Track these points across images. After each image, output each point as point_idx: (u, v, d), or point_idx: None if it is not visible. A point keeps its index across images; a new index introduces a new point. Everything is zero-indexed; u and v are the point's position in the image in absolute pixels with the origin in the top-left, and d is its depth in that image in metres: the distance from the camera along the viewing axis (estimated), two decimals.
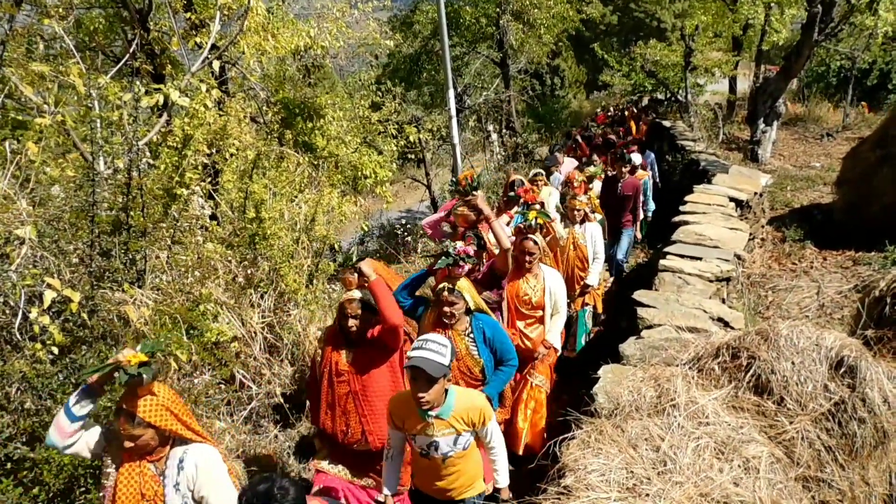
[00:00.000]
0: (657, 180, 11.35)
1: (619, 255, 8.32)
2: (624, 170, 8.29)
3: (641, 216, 8.97)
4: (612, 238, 8.30)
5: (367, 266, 3.63)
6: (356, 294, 3.67)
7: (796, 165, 13.94)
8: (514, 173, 8.35)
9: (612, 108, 17.86)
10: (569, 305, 6.05)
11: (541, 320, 5.00)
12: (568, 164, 9.93)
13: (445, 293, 3.83)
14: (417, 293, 4.41)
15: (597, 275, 6.42)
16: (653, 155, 11.69)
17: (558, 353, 5.21)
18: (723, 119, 16.55)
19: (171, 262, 5.22)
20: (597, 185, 8.87)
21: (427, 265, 4.29)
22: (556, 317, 5.02)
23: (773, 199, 10.97)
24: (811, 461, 2.93)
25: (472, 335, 3.95)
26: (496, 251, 4.89)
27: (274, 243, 6.08)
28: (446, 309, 3.84)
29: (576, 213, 6.37)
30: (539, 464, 3.26)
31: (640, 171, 9.32)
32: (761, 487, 2.66)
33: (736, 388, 3.24)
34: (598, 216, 8.06)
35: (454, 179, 4.35)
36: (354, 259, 3.66)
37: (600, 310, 6.96)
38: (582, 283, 6.42)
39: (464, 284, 3.89)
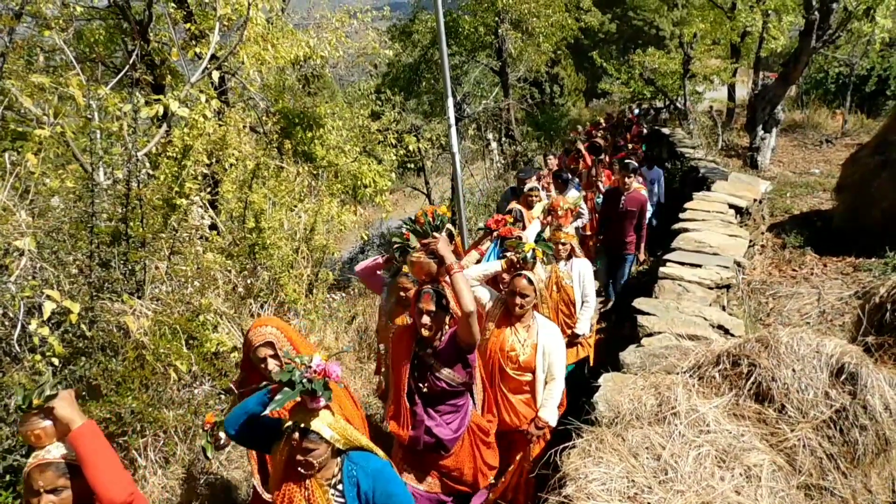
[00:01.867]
0: (661, 199, 10.67)
1: (618, 288, 7.59)
2: (628, 180, 7.30)
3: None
4: (610, 263, 7.69)
5: (66, 406, 2.27)
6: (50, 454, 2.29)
7: (796, 172, 13.95)
8: (530, 180, 7.88)
9: (613, 116, 17.79)
10: None
11: (530, 387, 4.04)
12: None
13: (296, 436, 2.47)
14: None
15: (587, 322, 5.38)
16: (661, 172, 10.93)
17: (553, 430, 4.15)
18: (722, 126, 16.57)
19: (170, 273, 5.23)
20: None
21: (271, 380, 2.69)
22: (551, 384, 4.03)
23: (773, 205, 10.97)
24: (813, 469, 2.92)
25: (340, 488, 2.61)
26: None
27: (274, 253, 6.09)
28: (299, 457, 2.49)
29: (561, 247, 5.24)
30: (540, 473, 3.24)
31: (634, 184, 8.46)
32: (763, 496, 2.65)
33: (737, 396, 3.23)
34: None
35: (412, 217, 3.56)
36: (44, 395, 2.24)
37: (592, 363, 5.69)
38: (569, 332, 5.26)
39: (326, 419, 2.49)
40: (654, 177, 10.62)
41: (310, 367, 2.44)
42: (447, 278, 3.37)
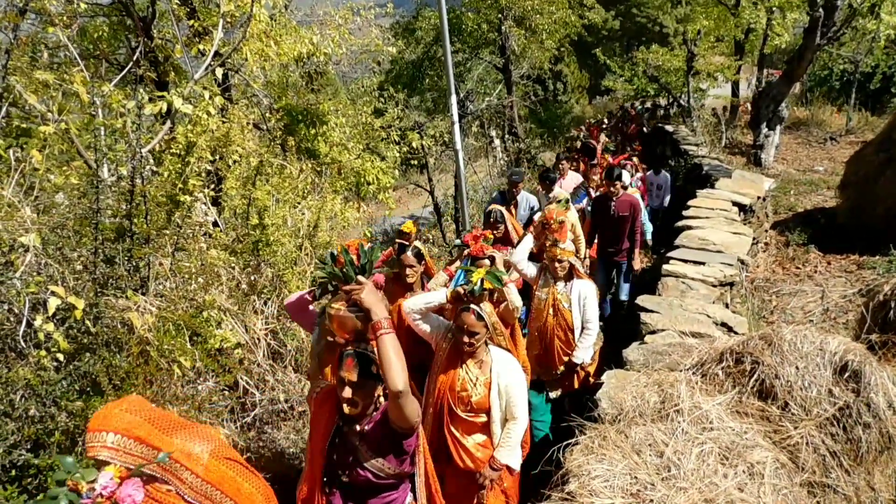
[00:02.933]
0: (664, 203, 10.29)
1: (623, 297, 7.09)
2: (614, 188, 6.85)
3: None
4: (606, 274, 7.28)
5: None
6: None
7: (799, 169, 13.92)
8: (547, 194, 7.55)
9: (614, 114, 17.64)
10: (546, 391, 5.02)
11: (485, 428, 3.54)
12: (570, 179, 8.78)
13: None
14: None
15: (588, 350, 4.81)
16: (668, 177, 10.50)
17: (517, 475, 3.75)
18: (725, 123, 16.54)
19: (174, 269, 5.23)
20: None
21: None
22: (510, 425, 3.51)
23: (777, 203, 10.95)
24: (816, 466, 2.92)
25: None
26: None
27: (277, 250, 6.09)
28: None
29: (558, 265, 4.68)
30: (543, 469, 3.25)
31: (630, 190, 7.99)
32: (766, 493, 2.65)
33: (740, 394, 3.23)
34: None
35: (333, 253, 2.81)
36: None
37: (592, 377, 5.03)
38: (565, 360, 4.83)
39: None
40: (662, 182, 10.30)
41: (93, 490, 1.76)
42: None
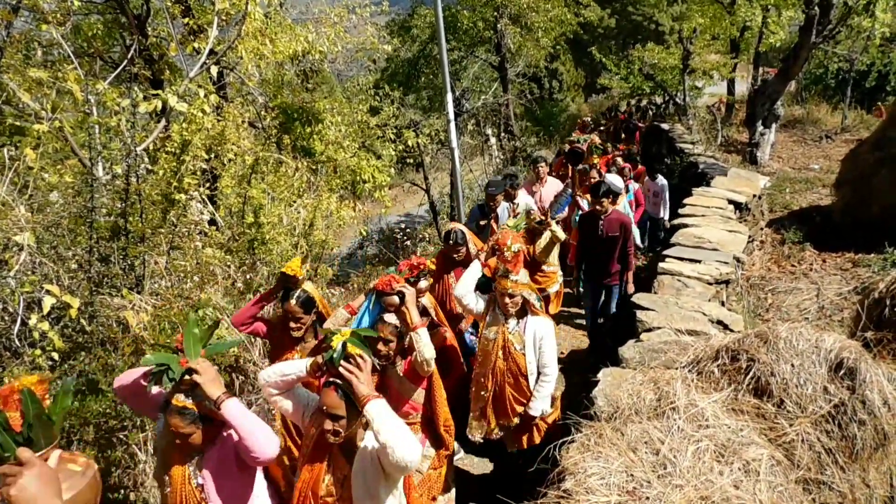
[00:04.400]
0: (661, 213, 9.42)
1: (613, 310, 6.41)
2: (601, 206, 6.05)
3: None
4: (594, 298, 6.48)
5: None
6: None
7: (795, 167, 13.96)
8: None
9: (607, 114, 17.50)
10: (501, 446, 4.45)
11: None
12: (551, 186, 7.77)
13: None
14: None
15: (545, 399, 4.12)
16: (665, 182, 9.52)
17: None
18: (721, 121, 16.57)
19: (169, 268, 5.23)
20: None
21: None
22: None
23: (772, 201, 10.98)
24: (811, 463, 2.93)
25: None
26: None
27: (273, 248, 6.09)
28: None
29: (509, 300, 3.97)
30: (539, 467, 3.25)
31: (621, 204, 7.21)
32: (762, 490, 2.65)
33: (735, 391, 3.24)
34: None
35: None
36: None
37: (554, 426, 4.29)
38: (519, 412, 4.16)
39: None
40: (658, 189, 9.38)
41: None
42: None
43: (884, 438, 3.02)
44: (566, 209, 7.47)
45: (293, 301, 3.68)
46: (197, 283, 5.39)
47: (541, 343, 4.02)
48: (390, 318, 3.54)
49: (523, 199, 7.14)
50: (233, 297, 5.61)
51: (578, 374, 5.97)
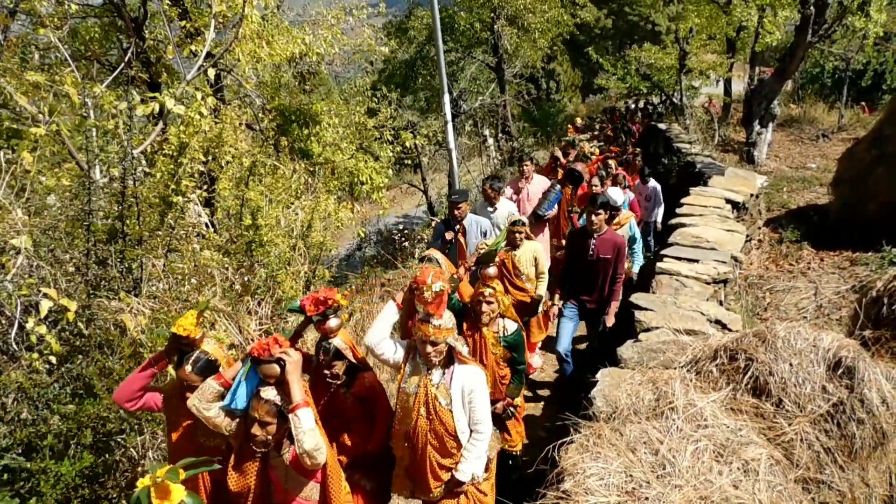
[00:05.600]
0: (657, 219, 9.32)
1: (595, 344, 5.71)
2: (596, 217, 5.31)
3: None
4: (570, 323, 5.58)
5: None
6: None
7: (792, 166, 13.98)
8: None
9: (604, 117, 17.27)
10: None
11: None
12: (537, 184, 7.31)
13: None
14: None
15: (479, 461, 3.53)
16: (658, 187, 9.36)
17: None
18: (718, 121, 16.59)
19: (167, 270, 5.21)
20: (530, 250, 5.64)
21: None
22: None
23: (770, 200, 11.00)
24: (810, 463, 2.93)
25: None
26: None
27: (270, 250, 6.08)
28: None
29: (430, 349, 3.37)
30: (538, 468, 3.25)
31: (624, 212, 6.83)
32: (761, 490, 2.65)
33: (734, 391, 3.24)
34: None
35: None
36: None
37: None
38: (445, 478, 3.53)
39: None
40: (650, 192, 9.24)
41: None
42: None
43: (882, 437, 3.02)
44: (556, 207, 7.02)
45: (189, 367, 3.07)
46: (195, 285, 5.38)
47: (471, 397, 3.41)
48: (269, 393, 2.83)
49: (505, 206, 6.51)
50: (231, 299, 5.60)
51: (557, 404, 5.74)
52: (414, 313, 3.58)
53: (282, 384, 2.85)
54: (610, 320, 5.47)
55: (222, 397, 2.94)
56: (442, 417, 3.38)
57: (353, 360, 3.56)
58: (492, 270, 4.36)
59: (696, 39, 16.09)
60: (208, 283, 5.44)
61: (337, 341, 3.48)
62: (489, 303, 4.12)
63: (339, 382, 3.55)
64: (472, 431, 3.50)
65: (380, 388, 3.65)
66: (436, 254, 4.67)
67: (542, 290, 5.77)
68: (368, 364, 3.73)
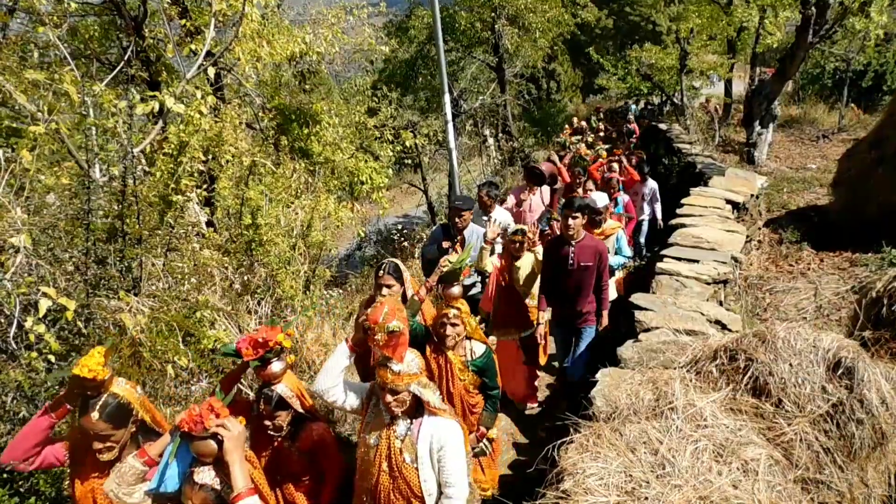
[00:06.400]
0: (658, 216, 9.32)
1: (576, 372, 5.21)
2: (573, 221, 4.84)
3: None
4: (564, 343, 5.41)
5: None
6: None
7: (792, 167, 13.97)
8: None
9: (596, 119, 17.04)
10: None
11: None
12: (542, 195, 7.17)
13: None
14: None
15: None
16: (655, 185, 9.39)
17: None
18: (718, 122, 16.59)
19: (167, 270, 5.21)
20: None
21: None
22: None
23: (770, 201, 10.99)
24: (810, 463, 2.93)
25: None
26: None
27: (270, 249, 6.08)
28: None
29: (391, 399, 2.93)
30: (537, 468, 3.24)
31: (609, 223, 6.49)
32: (760, 490, 2.65)
33: (734, 391, 3.23)
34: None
35: None
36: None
37: None
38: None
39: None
40: (647, 192, 9.30)
41: None
42: None
43: (882, 437, 3.02)
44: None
45: (96, 413, 2.60)
46: (194, 284, 5.38)
47: (441, 454, 2.92)
48: (204, 475, 2.41)
49: (500, 215, 6.14)
50: (230, 298, 5.60)
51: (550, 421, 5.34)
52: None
53: (220, 463, 2.40)
54: (604, 322, 5.24)
55: (146, 479, 2.53)
56: (406, 476, 2.96)
57: (300, 410, 3.14)
58: (456, 290, 4.02)
59: (697, 40, 16.08)
60: (208, 283, 5.44)
61: (281, 388, 3.09)
62: (454, 325, 3.78)
63: (282, 435, 3.16)
64: (441, 495, 3.00)
65: (330, 441, 3.24)
66: (392, 262, 4.08)
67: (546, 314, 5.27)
68: (318, 413, 3.33)
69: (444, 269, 4.09)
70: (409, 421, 3.00)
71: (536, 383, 5.97)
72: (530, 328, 5.45)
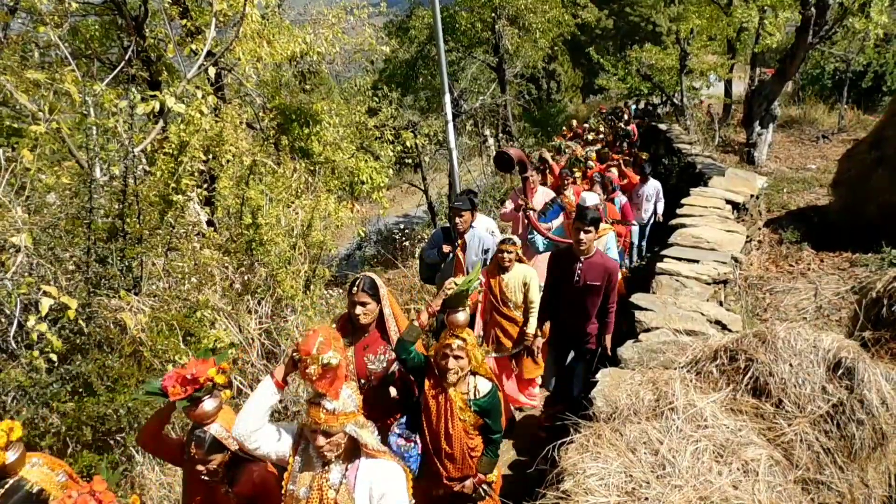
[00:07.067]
0: (660, 212, 9.29)
1: (575, 388, 4.86)
2: (585, 235, 4.39)
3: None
4: (557, 362, 5.07)
5: None
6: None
7: (792, 167, 13.98)
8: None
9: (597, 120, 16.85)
10: None
11: None
12: (541, 195, 6.74)
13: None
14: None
15: None
16: (659, 185, 9.35)
17: None
18: (719, 122, 16.60)
19: (167, 269, 5.21)
20: None
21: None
22: None
23: (770, 201, 11.00)
24: (810, 463, 2.93)
25: None
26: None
27: (271, 249, 6.07)
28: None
29: (323, 442, 2.59)
30: (538, 468, 3.25)
31: (602, 226, 5.50)
32: (760, 490, 2.65)
33: (734, 391, 3.24)
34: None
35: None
36: None
37: None
38: None
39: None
40: (650, 192, 9.23)
41: None
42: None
43: (882, 438, 3.02)
44: (557, 218, 6.48)
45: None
46: (195, 284, 5.38)
47: (381, 502, 2.63)
48: None
49: (482, 223, 5.71)
50: (231, 298, 5.60)
51: (524, 442, 5.21)
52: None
53: None
54: (608, 346, 4.73)
55: None
56: None
57: (237, 450, 2.80)
58: (461, 316, 3.41)
59: (697, 40, 16.09)
60: (208, 282, 5.44)
61: (215, 428, 2.77)
62: (457, 357, 3.30)
63: (217, 480, 2.83)
64: None
65: (273, 483, 2.90)
66: (368, 276, 3.64)
67: (532, 324, 4.97)
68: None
69: (449, 292, 3.45)
70: (343, 466, 2.64)
71: (531, 402, 5.66)
72: (522, 343, 5.12)
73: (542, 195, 6.75)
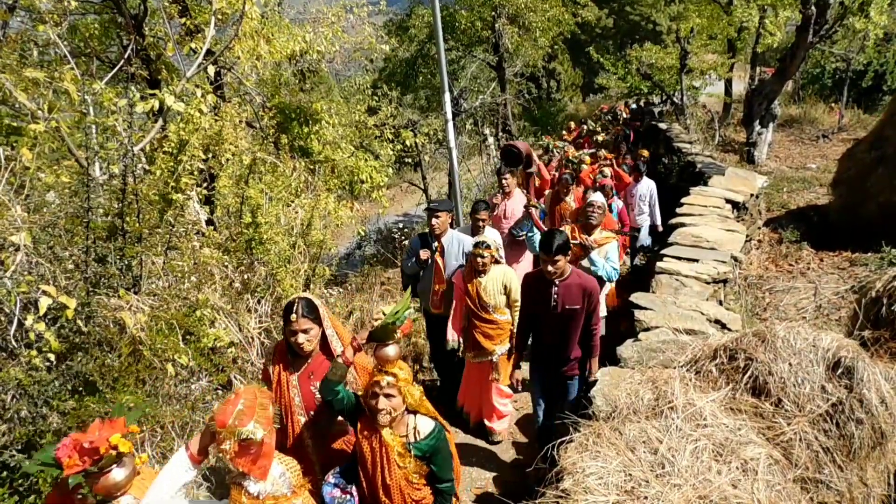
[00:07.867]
0: (657, 221, 9.10)
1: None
2: (557, 265, 4.05)
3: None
4: (542, 392, 4.59)
5: None
6: None
7: (792, 167, 13.98)
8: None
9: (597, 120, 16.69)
10: None
11: None
12: (518, 200, 6.42)
13: None
14: None
15: None
16: (653, 185, 9.16)
17: None
18: (719, 121, 16.59)
19: (167, 268, 5.21)
20: None
21: None
22: None
23: (770, 200, 11.00)
24: (809, 462, 2.93)
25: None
26: None
27: (270, 248, 6.07)
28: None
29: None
30: (537, 467, 3.25)
31: (604, 233, 5.68)
32: (760, 489, 2.65)
33: (734, 390, 3.24)
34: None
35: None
36: None
37: None
38: None
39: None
40: (643, 192, 9.04)
41: None
42: None
43: (881, 437, 3.02)
44: (532, 232, 5.97)
45: None
46: (194, 283, 5.37)
47: None
48: None
49: (490, 234, 5.41)
50: (230, 297, 5.60)
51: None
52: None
53: None
54: (595, 372, 4.20)
55: None
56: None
57: None
58: (391, 351, 2.95)
59: (697, 39, 16.09)
60: (208, 281, 5.44)
61: (126, 502, 2.41)
62: (388, 396, 2.88)
63: None
64: None
65: None
66: (308, 295, 3.30)
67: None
68: None
69: (376, 324, 2.98)
70: None
71: (505, 410, 5.43)
72: (505, 346, 5.03)
73: (520, 200, 6.42)
